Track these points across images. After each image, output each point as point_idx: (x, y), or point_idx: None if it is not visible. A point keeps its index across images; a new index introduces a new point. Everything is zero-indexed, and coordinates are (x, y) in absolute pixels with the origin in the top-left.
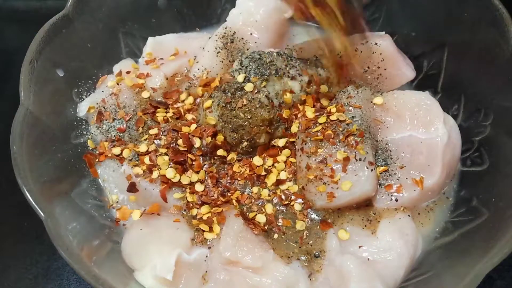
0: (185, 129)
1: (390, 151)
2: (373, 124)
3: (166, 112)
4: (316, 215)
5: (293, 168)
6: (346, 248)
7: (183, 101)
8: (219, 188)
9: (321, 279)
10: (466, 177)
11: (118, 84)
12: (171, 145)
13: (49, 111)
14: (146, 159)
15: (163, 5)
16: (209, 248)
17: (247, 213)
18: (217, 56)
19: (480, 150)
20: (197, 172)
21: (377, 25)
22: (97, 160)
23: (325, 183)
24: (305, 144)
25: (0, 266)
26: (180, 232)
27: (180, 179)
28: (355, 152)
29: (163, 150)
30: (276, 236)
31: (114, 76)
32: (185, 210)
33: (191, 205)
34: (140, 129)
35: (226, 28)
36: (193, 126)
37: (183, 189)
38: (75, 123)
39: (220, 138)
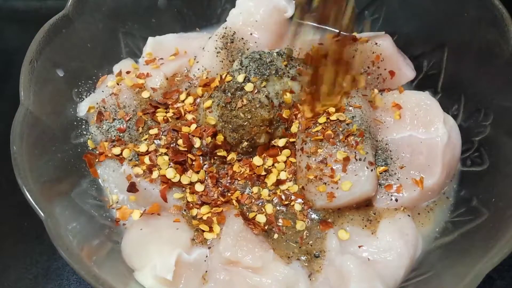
0: (185, 129)
1: (390, 151)
2: (373, 124)
3: (166, 112)
4: (316, 215)
5: (293, 168)
6: (346, 248)
7: (183, 101)
8: (219, 188)
9: (321, 279)
10: (466, 177)
11: (118, 84)
12: (171, 145)
13: (49, 111)
14: (146, 159)
15: (163, 5)
16: (209, 248)
17: (247, 213)
18: (217, 56)
19: (480, 150)
20: (197, 172)
21: (377, 25)
22: (97, 160)
23: (325, 183)
24: (305, 144)
25: (0, 266)
26: (180, 232)
27: (180, 179)
28: (355, 152)
29: (163, 150)
30: (276, 236)
31: (114, 76)
32: (185, 210)
33: (191, 205)
34: (140, 129)
35: (226, 28)
36: (193, 126)
37: (183, 189)
38: (75, 123)
39: (220, 138)
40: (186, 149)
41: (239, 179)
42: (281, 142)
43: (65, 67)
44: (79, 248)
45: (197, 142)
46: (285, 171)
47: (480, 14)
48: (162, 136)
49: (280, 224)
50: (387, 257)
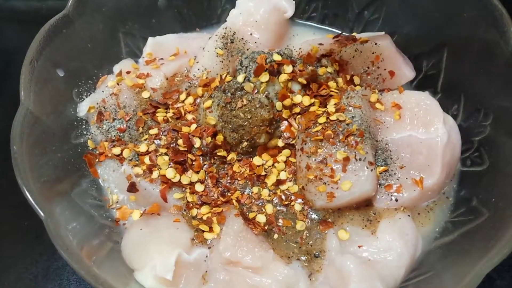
0: (185, 129)
1: (390, 151)
2: (373, 124)
3: (166, 112)
4: (316, 215)
5: (293, 168)
6: (346, 248)
7: (183, 101)
8: (219, 188)
9: (321, 279)
10: (466, 177)
11: (118, 84)
12: (171, 145)
13: (49, 111)
14: (146, 159)
15: (163, 5)
16: (209, 248)
17: (247, 213)
18: (217, 56)
19: (480, 150)
20: (197, 172)
21: (377, 25)
22: (97, 160)
23: (325, 183)
24: (305, 144)
25: (0, 266)
26: (180, 232)
27: (180, 179)
28: (355, 152)
29: (163, 150)
30: (276, 236)
31: (114, 76)
32: (185, 210)
33: (191, 205)
34: (140, 129)
35: (226, 28)
36: (193, 126)
37: (183, 189)
38: (75, 123)
39: (220, 138)
40: (186, 149)
41: (239, 179)
42: (280, 142)
43: (65, 67)
44: (79, 248)
45: (197, 142)
46: (285, 171)
47: (480, 14)
48: (162, 136)
49: (280, 224)
50: (387, 257)
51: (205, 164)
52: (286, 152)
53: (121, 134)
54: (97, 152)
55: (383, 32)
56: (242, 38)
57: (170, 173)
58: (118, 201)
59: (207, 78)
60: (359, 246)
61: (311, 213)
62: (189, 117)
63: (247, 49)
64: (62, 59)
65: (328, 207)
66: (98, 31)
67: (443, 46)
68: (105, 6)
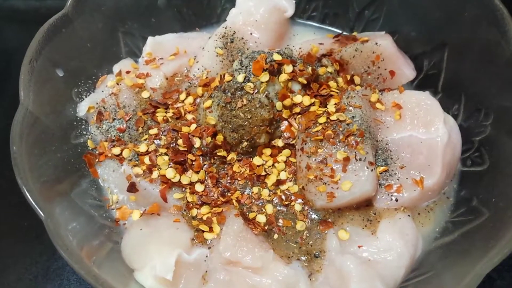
0: (185, 129)
1: (390, 151)
2: (373, 124)
3: (166, 112)
4: (316, 215)
5: (293, 168)
6: (346, 248)
7: (183, 101)
8: (219, 188)
9: (321, 279)
10: (466, 177)
11: (118, 84)
12: (171, 145)
13: (48, 111)
14: (146, 159)
15: (163, 5)
16: (209, 248)
17: (247, 213)
18: (217, 56)
19: (480, 150)
20: (197, 172)
21: (377, 25)
22: (97, 160)
23: (325, 183)
24: (305, 144)
25: (0, 266)
26: (180, 232)
27: (180, 179)
28: (355, 152)
29: (163, 150)
30: (276, 236)
31: (114, 76)
32: (185, 210)
33: (191, 205)
34: (140, 129)
35: (226, 28)
36: (193, 126)
37: (183, 189)
38: (75, 123)
39: (220, 138)
40: (186, 149)
41: (239, 179)
42: (280, 142)
43: (65, 67)
44: (79, 248)
45: (197, 142)
46: (285, 171)
47: (480, 14)
48: (162, 136)
49: (280, 224)
50: (387, 257)
51: (205, 164)
52: (286, 152)
53: (121, 134)
54: (97, 152)
55: (384, 32)
56: (242, 38)
57: (170, 173)
58: (118, 201)
59: (207, 78)
60: (359, 246)
61: (311, 213)
62: (189, 117)
63: (247, 49)
64: (62, 59)
65: (328, 207)
66: (98, 30)
67: (443, 45)
68: (105, 5)
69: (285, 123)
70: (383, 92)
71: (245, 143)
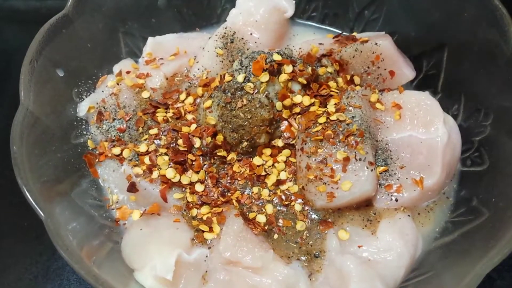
0: (185, 129)
1: (390, 151)
2: (373, 124)
3: (166, 112)
4: (316, 215)
5: (293, 168)
6: (346, 248)
7: (183, 101)
8: (219, 188)
9: (321, 279)
10: (466, 177)
11: (118, 84)
12: (171, 145)
13: (49, 111)
14: (146, 159)
15: (163, 5)
16: (209, 248)
17: (247, 213)
18: (217, 56)
19: (480, 150)
20: (197, 172)
21: (377, 25)
22: (97, 160)
23: (325, 183)
24: (305, 144)
25: (0, 266)
26: (180, 232)
27: (180, 179)
28: (355, 152)
29: (163, 150)
30: (276, 236)
31: (114, 76)
32: (185, 210)
33: (191, 205)
34: (140, 129)
35: (226, 28)
36: (193, 126)
37: (183, 189)
38: (75, 123)
39: (220, 138)
40: (186, 149)
41: (239, 179)
42: (280, 142)
43: (65, 67)
44: (79, 248)
45: (197, 142)
46: (285, 171)
47: (480, 14)
48: (162, 136)
49: (280, 224)
50: (387, 257)
51: (205, 164)
52: (286, 152)
53: (121, 134)
54: (97, 152)
55: (384, 32)
56: (242, 38)
57: (170, 173)
58: (118, 201)
59: (207, 78)
60: (359, 246)
61: (311, 213)
62: (189, 117)
63: (247, 49)
64: (62, 59)
65: (328, 207)
66: (98, 31)
67: (443, 46)
68: (105, 5)
69: (285, 123)
70: (383, 92)
71: (245, 143)
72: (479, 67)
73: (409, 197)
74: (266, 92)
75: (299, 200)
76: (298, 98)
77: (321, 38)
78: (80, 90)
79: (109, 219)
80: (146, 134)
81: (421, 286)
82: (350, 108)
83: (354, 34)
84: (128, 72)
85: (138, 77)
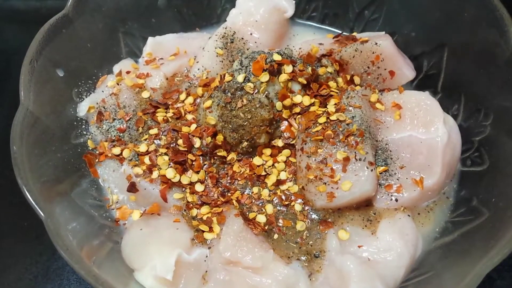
0: (185, 129)
1: (390, 151)
2: (373, 124)
3: (166, 112)
4: (316, 215)
5: (293, 168)
6: (346, 248)
7: (183, 101)
8: (219, 188)
9: (321, 279)
10: (466, 177)
11: (118, 84)
12: (171, 145)
13: (49, 111)
14: (146, 159)
15: (163, 5)
16: (209, 248)
17: (247, 213)
18: (217, 56)
19: (480, 150)
20: (197, 172)
21: (377, 25)
22: (97, 160)
23: (325, 183)
24: (305, 144)
25: (0, 266)
26: (180, 232)
27: (180, 179)
28: (355, 152)
29: (163, 150)
30: (276, 236)
31: (114, 76)
32: (185, 210)
33: (191, 205)
34: (140, 129)
35: (226, 28)
36: (193, 126)
37: (183, 189)
38: (75, 123)
39: (220, 138)
40: (186, 149)
41: (239, 179)
42: (281, 142)
43: (65, 67)
44: (79, 248)
45: (197, 142)
46: (285, 171)
47: (480, 14)
48: (162, 136)
49: (280, 224)
50: (387, 257)
51: (205, 164)
52: (286, 152)
53: (121, 134)
54: (97, 152)
55: (384, 32)
56: (242, 38)
57: (170, 173)
58: (118, 201)
59: (207, 78)
60: (359, 246)
61: (311, 213)
62: (189, 117)
63: (247, 49)
64: (62, 59)
65: (328, 207)
66: (98, 31)
67: (443, 46)
68: (105, 5)
69: (285, 123)
70: (383, 92)
71: (245, 143)
72: (479, 67)
73: (409, 197)
74: (266, 92)
75: (299, 200)
76: (298, 98)
77: (321, 38)
78: (80, 90)
79: (109, 219)
80: (146, 134)
81: (421, 286)
82: (350, 108)
83: (354, 34)
84: (128, 72)
85: (138, 77)
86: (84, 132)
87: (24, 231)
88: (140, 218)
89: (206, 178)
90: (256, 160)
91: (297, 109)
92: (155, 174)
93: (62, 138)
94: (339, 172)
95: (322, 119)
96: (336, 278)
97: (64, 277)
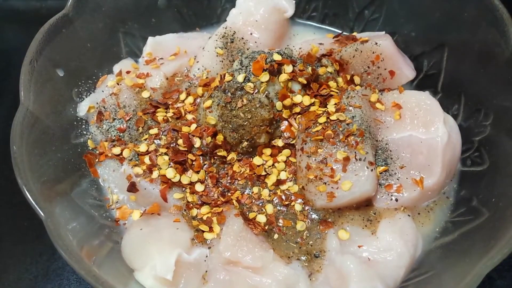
0: (185, 129)
1: (390, 151)
2: (373, 124)
3: (166, 112)
4: (316, 215)
5: (293, 168)
6: (346, 248)
7: (183, 101)
8: (219, 188)
9: (321, 279)
10: (466, 177)
11: (118, 84)
12: (171, 145)
13: (49, 111)
14: (146, 159)
15: (163, 5)
16: (209, 248)
17: (247, 213)
18: (217, 56)
19: (480, 150)
20: (197, 172)
21: (377, 25)
22: (97, 160)
23: (325, 183)
24: (305, 144)
25: (0, 266)
26: (180, 232)
27: (180, 179)
28: (355, 152)
29: (163, 150)
30: (276, 236)
31: (114, 76)
32: (185, 210)
33: (191, 205)
34: (140, 129)
35: (226, 28)
36: (193, 126)
37: (183, 189)
38: (75, 123)
39: (220, 138)
40: (186, 149)
41: (239, 179)
42: (281, 142)
43: (65, 67)
44: (79, 248)
45: (197, 142)
46: (285, 171)
47: (480, 14)
48: (162, 136)
49: (280, 224)
50: (387, 257)
51: (205, 164)
52: (286, 152)
53: (121, 134)
54: (97, 152)
55: (384, 32)
56: (242, 38)
57: (170, 173)
58: (118, 201)
59: (207, 77)
60: (359, 246)
61: (311, 213)
62: (189, 117)
63: (247, 49)
64: (62, 59)
65: (328, 207)
66: (98, 30)
67: (443, 46)
68: (105, 5)
69: (285, 123)
70: (383, 92)
71: (245, 143)
72: (479, 67)
73: (409, 197)
74: (266, 92)
75: (299, 200)
76: (298, 98)
77: (321, 38)
78: (80, 90)
79: (109, 219)
80: (146, 134)
81: (421, 286)
82: (350, 108)
83: (354, 34)
84: (128, 72)
85: (138, 77)
86: (84, 132)
87: (24, 231)
88: (140, 218)
89: (206, 178)
90: (256, 160)
91: (297, 109)
92: (155, 174)
93: (62, 138)
94: (339, 172)
95: (322, 119)
96: (336, 278)
97: (64, 277)
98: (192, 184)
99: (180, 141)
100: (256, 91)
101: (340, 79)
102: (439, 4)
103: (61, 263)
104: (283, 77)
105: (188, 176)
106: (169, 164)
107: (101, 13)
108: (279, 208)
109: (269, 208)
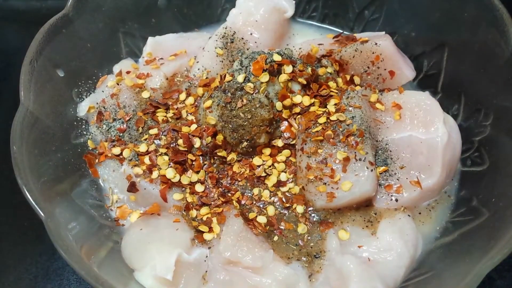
0: (185, 129)
1: (390, 151)
2: (373, 124)
3: (166, 112)
4: (317, 215)
5: (293, 168)
6: (346, 248)
7: (183, 101)
8: (219, 189)
9: (321, 279)
10: (466, 177)
11: (118, 84)
12: (171, 145)
13: (49, 111)
14: (146, 159)
15: (163, 5)
16: (209, 248)
17: (247, 214)
18: (217, 56)
19: (480, 150)
20: (197, 172)
21: (377, 25)
22: (97, 160)
23: (325, 183)
24: (305, 144)
25: (0, 266)
26: (180, 232)
27: (180, 179)
28: (355, 152)
29: (163, 150)
30: (276, 238)
31: (114, 76)
32: (184, 210)
33: (190, 206)
34: (140, 129)
35: (226, 28)
36: (193, 126)
37: (183, 189)
38: (75, 123)
39: (220, 138)
40: (186, 149)
41: (239, 179)
42: (280, 142)
43: (65, 67)
44: (79, 248)
45: (197, 142)
46: (285, 172)
47: (480, 14)
48: (162, 136)
49: (282, 227)
50: (387, 257)
51: (205, 164)
52: (286, 152)
53: (121, 134)
54: (97, 152)
55: (384, 32)
56: (242, 38)
57: (170, 173)
58: (118, 201)
59: (207, 78)
60: (359, 246)
61: (312, 215)
62: (189, 117)
63: (247, 49)
64: (62, 59)
65: (328, 207)
66: (98, 31)
67: (443, 46)
68: (105, 5)
69: (285, 123)
70: (383, 92)
71: (245, 143)
72: (479, 67)
73: (409, 197)
74: (266, 92)
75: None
76: (298, 98)
77: (321, 38)
78: (80, 90)
79: (109, 219)
80: (146, 134)
81: (421, 286)
82: (350, 108)
83: (354, 34)
84: (128, 72)
85: (138, 77)
86: (84, 132)
87: (24, 231)
88: (140, 218)
89: (206, 178)
90: (256, 160)
91: (297, 109)
92: (155, 174)
93: (62, 138)
94: (339, 172)
95: (322, 119)
96: (336, 278)
97: (64, 277)
98: (192, 184)
99: (180, 141)
100: (256, 91)
101: (340, 80)
102: (439, 4)
103: (61, 263)
104: (283, 77)
105: (188, 176)
106: (169, 164)
107: (101, 13)
108: (280, 211)
109: (271, 210)
